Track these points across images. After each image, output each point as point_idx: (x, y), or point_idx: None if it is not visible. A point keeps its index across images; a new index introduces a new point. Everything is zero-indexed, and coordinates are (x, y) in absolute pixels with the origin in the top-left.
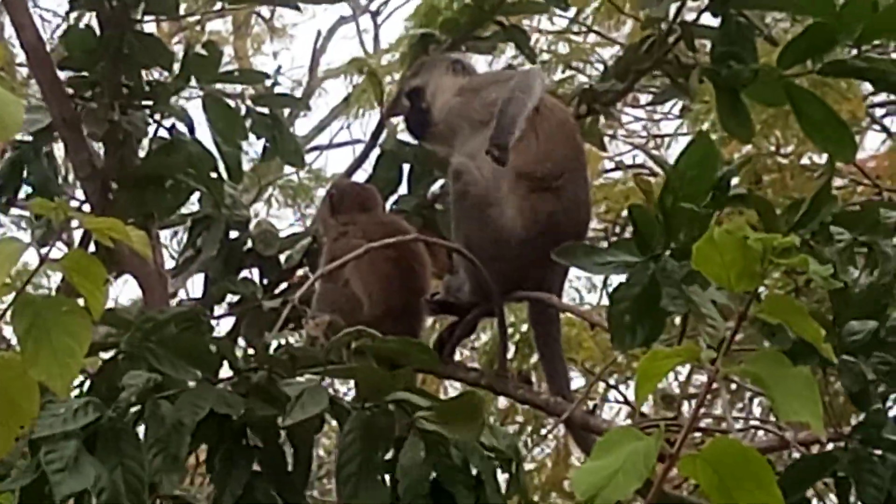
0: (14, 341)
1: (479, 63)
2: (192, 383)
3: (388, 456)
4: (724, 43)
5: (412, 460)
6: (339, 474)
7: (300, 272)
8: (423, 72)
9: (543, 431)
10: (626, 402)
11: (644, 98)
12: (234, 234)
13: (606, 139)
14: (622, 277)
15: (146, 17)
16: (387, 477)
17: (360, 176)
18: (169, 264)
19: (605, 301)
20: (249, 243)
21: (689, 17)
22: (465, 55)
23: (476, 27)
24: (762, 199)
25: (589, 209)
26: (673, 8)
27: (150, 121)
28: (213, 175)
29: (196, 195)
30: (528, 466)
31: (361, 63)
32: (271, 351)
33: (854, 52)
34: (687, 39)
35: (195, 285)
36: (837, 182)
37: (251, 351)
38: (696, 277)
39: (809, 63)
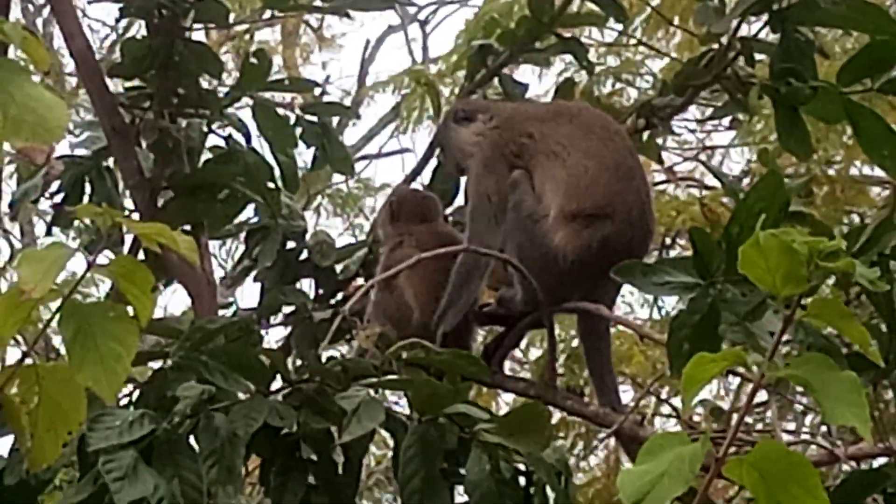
0: (63, 349)
1: (526, 74)
2: (242, 395)
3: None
4: (784, 59)
5: (479, 474)
6: (403, 490)
7: (356, 283)
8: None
9: (594, 443)
10: (677, 414)
11: (697, 112)
12: (290, 245)
13: None
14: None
15: (195, 26)
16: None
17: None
18: (217, 273)
19: (657, 316)
20: (305, 254)
21: (747, 31)
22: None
23: (534, 39)
24: (819, 222)
25: (647, 226)
26: (733, 24)
27: (206, 130)
28: (270, 185)
29: (251, 205)
30: (578, 480)
31: (419, 74)
32: (323, 362)
33: None
34: (746, 55)
35: (244, 295)
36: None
37: (302, 362)
38: (758, 314)
39: (868, 81)
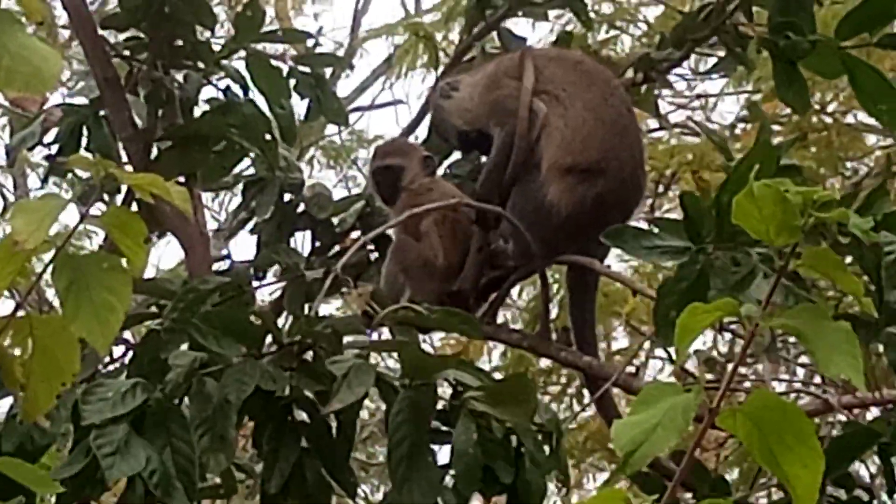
0: (55, 302)
1: (520, 26)
2: (236, 359)
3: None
4: (782, 13)
5: (465, 444)
6: (390, 457)
7: (353, 235)
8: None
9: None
10: (671, 359)
11: (691, 62)
12: (287, 197)
13: None
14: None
15: None
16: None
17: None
18: (210, 226)
19: (651, 267)
20: (303, 206)
21: None
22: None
23: None
24: (814, 174)
25: (638, 183)
26: None
27: (203, 81)
28: (267, 137)
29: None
30: (570, 426)
31: (417, 26)
32: (315, 319)
33: None
34: (745, 8)
35: (238, 247)
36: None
37: (294, 322)
38: (748, 283)
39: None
